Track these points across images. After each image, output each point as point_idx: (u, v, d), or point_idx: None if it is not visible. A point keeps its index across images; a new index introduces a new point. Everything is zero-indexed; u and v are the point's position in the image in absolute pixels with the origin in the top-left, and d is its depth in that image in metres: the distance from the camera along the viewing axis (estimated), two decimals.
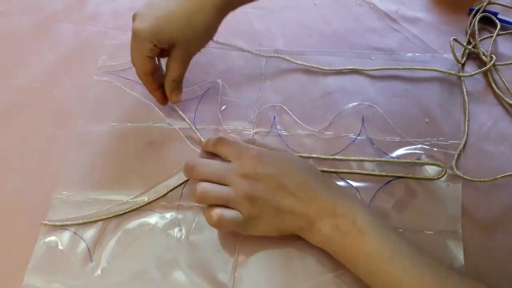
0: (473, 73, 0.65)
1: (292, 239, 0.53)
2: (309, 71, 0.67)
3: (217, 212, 0.49)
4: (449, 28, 0.71)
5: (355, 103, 0.63)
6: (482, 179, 0.56)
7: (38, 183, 0.57)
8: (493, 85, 0.65)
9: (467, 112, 0.62)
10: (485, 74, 0.66)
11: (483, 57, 0.66)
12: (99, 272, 0.52)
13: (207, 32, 0.57)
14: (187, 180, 0.56)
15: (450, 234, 0.53)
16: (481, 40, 0.68)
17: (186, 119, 0.60)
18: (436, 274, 0.45)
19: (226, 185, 0.50)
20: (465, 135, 0.61)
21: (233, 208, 0.49)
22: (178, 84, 0.58)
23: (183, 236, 0.54)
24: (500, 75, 0.66)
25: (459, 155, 0.59)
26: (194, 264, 0.52)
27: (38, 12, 0.72)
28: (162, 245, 0.53)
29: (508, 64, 0.66)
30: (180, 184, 0.56)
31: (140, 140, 0.60)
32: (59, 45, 0.69)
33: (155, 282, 0.51)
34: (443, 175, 0.56)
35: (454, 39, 0.65)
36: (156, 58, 0.59)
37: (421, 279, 0.44)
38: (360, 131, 0.61)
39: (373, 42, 0.70)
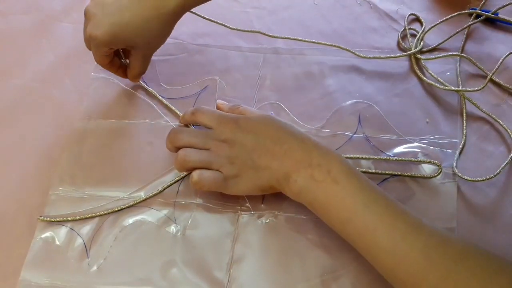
0: (399, 55, 0.67)
1: (291, 239, 0.53)
2: (308, 70, 0.67)
3: (197, 171, 0.52)
4: (449, 28, 0.71)
5: (352, 101, 0.63)
6: (479, 179, 0.56)
7: (37, 181, 0.57)
8: (419, 73, 0.66)
9: (464, 111, 0.62)
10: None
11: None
12: (95, 268, 0.52)
13: (163, 36, 0.59)
14: (184, 177, 0.56)
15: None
16: (428, 30, 0.70)
17: (157, 95, 0.63)
18: (410, 222, 0.45)
19: (207, 150, 0.53)
20: (464, 135, 0.60)
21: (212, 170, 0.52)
22: (139, 79, 0.62)
23: (179, 233, 0.54)
24: (426, 67, 0.67)
25: (459, 155, 0.59)
26: (189, 261, 0.52)
27: (38, 12, 0.72)
28: (158, 242, 0.53)
29: (432, 58, 0.67)
30: (177, 181, 0.56)
31: (137, 137, 0.60)
32: (59, 45, 0.69)
33: (151, 279, 0.51)
34: (439, 174, 0.56)
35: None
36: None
37: (395, 227, 0.45)
38: (357, 129, 0.61)
39: (373, 42, 0.70)
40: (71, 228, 0.54)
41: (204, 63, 0.67)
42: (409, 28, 0.71)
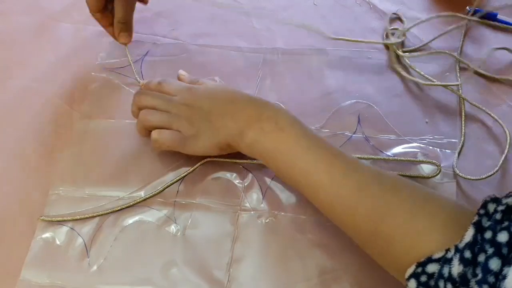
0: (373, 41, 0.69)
1: (291, 238, 0.53)
2: (308, 70, 0.67)
3: (156, 130, 0.56)
4: (449, 28, 0.71)
5: (352, 101, 0.63)
6: (481, 177, 0.56)
7: (37, 181, 0.57)
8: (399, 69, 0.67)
9: (463, 111, 0.62)
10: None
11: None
12: (95, 267, 0.52)
13: None
14: (184, 177, 0.57)
15: None
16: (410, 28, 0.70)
17: (129, 58, 0.63)
18: (347, 161, 0.49)
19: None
20: (462, 135, 0.61)
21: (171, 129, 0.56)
22: (125, 26, 0.62)
23: (179, 233, 0.54)
24: (411, 65, 0.67)
25: (458, 155, 0.59)
26: (189, 260, 0.52)
27: (38, 12, 0.72)
28: (158, 242, 0.53)
29: (413, 56, 0.68)
30: (177, 181, 0.57)
31: (137, 137, 0.60)
32: (59, 45, 0.69)
33: (151, 279, 0.51)
34: (438, 174, 0.56)
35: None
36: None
37: (333, 166, 0.49)
38: (356, 129, 0.61)
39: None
40: (72, 228, 0.54)
41: (204, 63, 0.67)
42: (392, 29, 0.71)
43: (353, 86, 0.65)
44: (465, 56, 0.68)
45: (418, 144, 0.60)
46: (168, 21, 0.72)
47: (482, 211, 0.41)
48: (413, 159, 0.58)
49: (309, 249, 0.53)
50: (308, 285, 0.51)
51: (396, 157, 0.58)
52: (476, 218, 0.40)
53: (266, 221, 0.55)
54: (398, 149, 0.59)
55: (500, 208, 0.40)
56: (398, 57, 0.68)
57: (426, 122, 0.62)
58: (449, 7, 0.73)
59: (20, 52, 0.69)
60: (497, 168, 0.57)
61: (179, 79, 0.63)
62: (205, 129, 0.54)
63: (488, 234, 0.38)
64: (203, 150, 0.56)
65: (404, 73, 0.65)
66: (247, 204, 0.56)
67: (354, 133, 0.61)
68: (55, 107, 0.63)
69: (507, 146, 0.59)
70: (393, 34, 0.70)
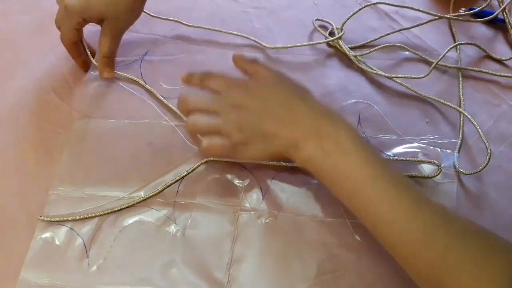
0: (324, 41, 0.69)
1: (291, 239, 0.53)
2: (309, 70, 0.67)
3: (207, 139, 0.52)
4: (449, 28, 0.71)
5: (352, 101, 0.63)
6: (473, 171, 0.57)
7: (37, 181, 0.57)
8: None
9: (462, 110, 0.62)
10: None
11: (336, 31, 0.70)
12: (95, 268, 0.52)
13: (132, 12, 0.62)
14: (184, 177, 0.56)
15: None
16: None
17: (157, 94, 0.63)
18: (413, 198, 0.46)
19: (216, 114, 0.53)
20: (460, 134, 0.61)
21: (221, 135, 0.53)
22: (109, 61, 0.62)
23: (179, 233, 0.54)
24: (365, 63, 0.68)
25: (458, 154, 0.59)
26: (189, 261, 0.52)
27: (39, 12, 0.72)
28: (157, 242, 0.53)
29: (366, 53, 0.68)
30: (177, 181, 0.56)
31: (137, 137, 0.60)
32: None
33: (150, 279, 0.51)
34: (438, 174, 0.56)
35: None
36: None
37: (399, 202, 0.45)
38: (357, 129, 0.61)
39: (373, 42, 0.70)
40: (71, 228, 0.54)
41: (204, 62, 0.67)
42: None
43: (354, 86, 0.65)
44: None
45: (418, 144, 0.60)
46: (167, 21, 0.72)
47: None
48: (414, 159, 0.58)
49: (309, 250, 0.53)
50: (308, 285, 0.51)
51: (397, 157, 0.58)
52: None
53: (266, 221, 0.54)
54: (399, 149, 0.59)
55: None
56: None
57: (427, 122, 0.62)
58: (449, 8, 0.73)
59: (20, 52, 0.69)
60: (487, 160, 0.57)
61: (234, 61, 0.59)
62: (256, 136, 0.52)
63: None
64: (255, 158, 0.54)
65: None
66: (247, 204, 0.55)
67: None
68: (54, 107, 0.63)
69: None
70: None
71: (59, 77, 0.66)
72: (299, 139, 0.49)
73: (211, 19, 0.72)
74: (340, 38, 0.68)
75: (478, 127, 0.60)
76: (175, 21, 0.71)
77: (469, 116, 0.61)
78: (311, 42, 0.69)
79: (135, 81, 0.64)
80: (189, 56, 0.68)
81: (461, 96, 0.64)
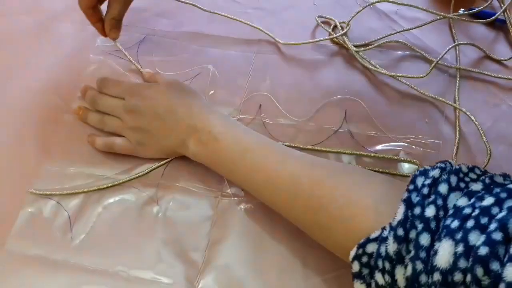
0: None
1: (269, 225, 0.54)
2: (304, 65, 0.68)
3: (110, 141, 0.59)
4: (449, 29, 0.71)
5: (340, 96, 0.64)
6: None
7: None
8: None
9: (457, 111, 0.63)
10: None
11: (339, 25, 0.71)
12: (77, 242, 0.53)
13: None
14: (169, 161, 0.58)
15: None
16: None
17: (124, 51, 0.66)
18: (279, 156, 0.52)
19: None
20: (457, 135, 0.61)
21: (123, 136, 0.59)
22: (117, 23, 0.62)
23: (160, 213, 0.55)
24: (368, 60, 0.68)
25: (455, 155, 0.59)
26: (168, 241, 0.54)
27: (39, 13, 0.72)
28: (139, 221, 0.55)
29: (373, 47, 0.69)
30: (162, 164, 0.58)
31: None
32: (59, 45, 0.69)
33: (129, 257, 0.53)
34: None
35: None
36: None
37: (265, 161, 0.51)
38: (342, 124, 0.62)
39: (374, 43, 0.70)
40: (58, 202, 0.55)
41: (204, 63, 0.68)
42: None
43: (345, 81, 0.66)
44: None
45: (402, 143, 0.60)
46: (168, 21, 0.72)
47: (411, 187, 0.41)
48: (394, 157, 0.59)
49: (285, 239, 0.54)
50: (280, 272, 0.52)
51: (378, 154, 0.59)
52: (406, 194, 0.41)
53: (246, 207, 0.56)
54: (381, 147, 0.60)
55: (427, 181, 0.40)
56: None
57: (426, 122, 0.62)
58: (449, 7, 0.73)
59: (20, 52, 0.68)
60: (487, 161, 0.58)
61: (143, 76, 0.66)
62: (150, 137, 0.57)
63: (417, 210, 0.39)
64: (154, 156, 0.59)
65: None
66: (228, 190, 0.57)
67: (339, 128, 0.61)
68: (55, 107, 0.63)
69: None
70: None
71: (59, 77, 0.66)
72: (184, 138, 0.56)
73: (211, 19, 0.72)
74: (345, 34, 0.69)
75: (477, 123, 0.61)
76: (193, 5, 0.72)
77: (468, 113, 0.61)
78: (319, 39, 0.70)
79: (133, 65, 0.66)
80: (189, 56, 0.68)
81: (457, 96, 0.64)
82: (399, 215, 0.40)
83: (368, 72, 0.67)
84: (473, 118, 0.61)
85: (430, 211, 0.38)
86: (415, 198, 0.40)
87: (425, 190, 0.40)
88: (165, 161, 0.58)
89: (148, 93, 0.59)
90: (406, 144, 0.60)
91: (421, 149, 0.60)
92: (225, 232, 0.54)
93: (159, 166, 0.58)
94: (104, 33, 0.63)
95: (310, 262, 0.52)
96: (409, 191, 0.41)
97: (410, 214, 0.39)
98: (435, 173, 0.41)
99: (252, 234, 0.54)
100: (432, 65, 0.65)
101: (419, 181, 0.41)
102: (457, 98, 0.64)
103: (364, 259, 0.41)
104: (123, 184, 0.57)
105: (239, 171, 0.53)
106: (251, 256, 0.53)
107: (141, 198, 0.56)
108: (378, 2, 0.73)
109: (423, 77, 0.64)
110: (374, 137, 0.61)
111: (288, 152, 0.53)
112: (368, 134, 0.61)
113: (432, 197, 0.39)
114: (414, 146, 0.60)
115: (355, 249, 0.42)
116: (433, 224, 0.37)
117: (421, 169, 0.42)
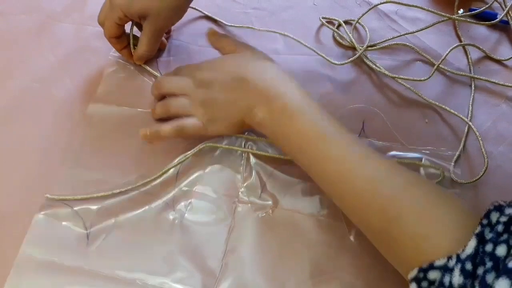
0: (344, 62, 0.67)
1: (286, 233, 0.54)
2: (309, 71, 0.67)
3: (177, 123, 0.56)
4: (449, 28, 0.71)
5: (356, 105, 0.63)
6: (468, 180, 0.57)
7: (38, 181, 0.57)
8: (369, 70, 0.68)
9: (470, 111, 0.63)
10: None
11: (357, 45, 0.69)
12: (93, 248, 0.52)
13: (177, 8, 0.61)
14: (182, 162, 0.57)
15: None
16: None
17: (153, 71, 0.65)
18: (358, 153, 0.49)
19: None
20: (462, 143, 0.61)
21: (192, 115, 0.56)
22: (146, 58, 0.64)
23: (177, 220, 0.54)
24: (373, 62, 0.68)
25: (457, 159, 0.59)
26: (185, 248, 0.53)
27: (38, 12, 0.71)
28: (155, 228, 0.54)
29: (378, 48, 0.70)
30: (175, 166, 0.57)
31: (144, 125, 0.59)
32: (59, 45, 0.68)
33: (145, 264, 0.52)
34: (440, 180, 0.56)
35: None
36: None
37: (344, 158, 0.49)
38: (360, 133, 0.61)
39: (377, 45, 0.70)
40: (73, 208, 0.54)
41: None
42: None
43: (353, 87, 0.65)
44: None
45: (421, 156, 0.59)
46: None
47: (485, 221, 0.40)
48: (417, 162, 0.58)
49: (305, 246, 0.53)
50: (299, 282, 0.51)
51: (402, 158, 0.58)
52: (479, 228, 0.40)
53: (263, 215, 0.55)
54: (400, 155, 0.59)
55: (503, 219, 0.39)
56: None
57: (426, 122, 0.62)
58: (449, 8, 0.74)
59: (20, 52, 0.68)
60: (484, 169, 0.57)
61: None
62: (219, 110, 0.56)
63: (488, 247, 0.38)
64: (224, 131, 0.57)
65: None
66: (245, 197, 0.56)
67: (358, 135, 0.61)
68: (55, 107, 0.63)
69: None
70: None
71: (59, 78, 0.65)
72: (252, 105, 0.53)
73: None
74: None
75: (477, 133, 0.61)
76: (215, 19, 0.72)
77: (471, 125, 0.62)
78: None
79: (151, 73, 0.65)
80: (189, 57, 0.68)
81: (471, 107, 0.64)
82: (470, 248, 0.39)
83: (373, 76, 0.67)
84: (474, 129, 0.61)
85: (501, 250, 0.37)
86: (488, 234, 0.39)
87: (500, 228, 0.39)
88: (177, 162, 0.56)
89: (217, 65, 0.58)
90: (426, 156, 0.59)
91: (441, 160, 0.59)
92: (243, 239, 0.53)
93: (171, 168, 0.56)
94: (130, 59, 0.64)
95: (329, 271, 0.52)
96: (482, 225, 0.40)
97: (481, 249, 0.38)
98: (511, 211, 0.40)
99: (269, 243, 0.53)
100: (434, 67, 0.65)
101: (494, 216, 0.40)
102: (470, 108, 0.64)
103: (424, 284, 0.40)
104: (140, 189, 0.56)
105: (308, 156, 0.51)
106: (269, 266, 0.52)
107: (157, 205, 0.55)
108: (383, 3, 0.73)
109: (425, 79, 0.64)
110: (392, 147, 0.60)
111: (369, 150, 0.50)
112: (386, 144, 0.60)
113: (505, 235, 0.38)
114: (433, 159, 0.59)
115: (415, 271, 0.41)
116: (502, 264, 0.36)
117: (496, 203, 0.41)
